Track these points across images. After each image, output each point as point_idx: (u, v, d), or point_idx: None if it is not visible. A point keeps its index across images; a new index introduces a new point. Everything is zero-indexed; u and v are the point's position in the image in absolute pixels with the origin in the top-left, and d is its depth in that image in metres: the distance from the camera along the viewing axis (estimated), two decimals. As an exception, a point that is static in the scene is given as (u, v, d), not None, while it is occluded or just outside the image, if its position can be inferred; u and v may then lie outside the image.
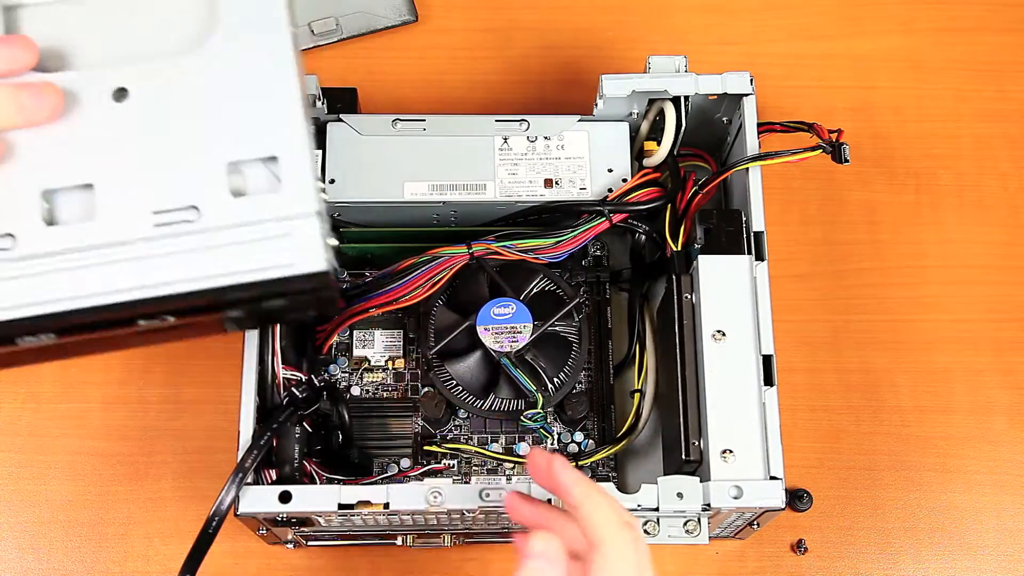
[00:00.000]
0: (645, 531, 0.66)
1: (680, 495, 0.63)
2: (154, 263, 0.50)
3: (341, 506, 0.62)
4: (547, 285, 0.74)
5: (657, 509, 0.63)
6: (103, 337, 0.53)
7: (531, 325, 0.71)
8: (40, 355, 0.53)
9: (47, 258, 0.50)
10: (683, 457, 0.66)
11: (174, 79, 0.53)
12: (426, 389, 0.74)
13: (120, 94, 0.52)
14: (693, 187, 0.73)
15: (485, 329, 0.71)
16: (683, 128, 0.72)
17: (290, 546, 0.73)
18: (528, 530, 0.54)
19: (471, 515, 0.64)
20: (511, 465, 0.73)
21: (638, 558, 0.52)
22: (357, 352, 0.76)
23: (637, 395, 0.74)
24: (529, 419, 0.71)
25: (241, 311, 0.53)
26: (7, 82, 0.51)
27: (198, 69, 0.53)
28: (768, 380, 0.65)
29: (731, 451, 0.64)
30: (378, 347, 0.76)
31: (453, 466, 0.73)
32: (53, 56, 0.53)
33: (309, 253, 0.50)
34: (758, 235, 0.68)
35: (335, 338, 0.75)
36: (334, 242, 0.53)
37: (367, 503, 0.62)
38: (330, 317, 0.72)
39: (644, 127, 0.75)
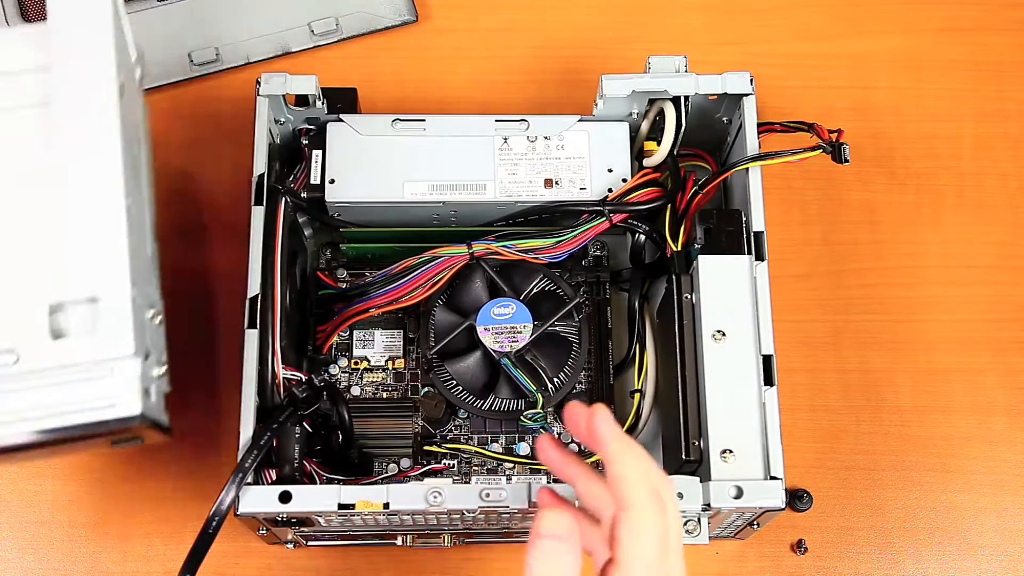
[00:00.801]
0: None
1: (680, 495, 0.63)
2: None
3: (341, 506, 0.62)
4: (547, 285, 0.74)
5: (657, 509, 0.63)
6: None
7: (531, 325, 0.71)
8: None
9: None
10: (683, 457, 0.66)
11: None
12: (426, 389, 0.74)
13: None
14: (693, 187, 0.73)
15: (485, 329, 0.71)
16: (683, 128, 0.72)
17: (290, 546, 0.73)
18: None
19: (471, 515, 0.64)
20: (511, 465, 0.73)
21: (665, 529, 0.50)
22: (357, 352, 0.76)
23: (637, 395, 0.74)
24: (529, 419, 0.71)
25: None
26: None
27: (28, 198, 0.52)
28: (768, 380, 0.65)
29: (731, 451, 0.64)
30: (378, 347, 0.76)
31: (453, 466, 0.73)
32: None
33: (125, 397, 0.50)
34: (758, 235, 0.68)
35: (335, 338, 0.75)
36: (166, 388, 0.53)
37: (367, 503, 0.62)
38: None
39: (644, 127, 0.75)
